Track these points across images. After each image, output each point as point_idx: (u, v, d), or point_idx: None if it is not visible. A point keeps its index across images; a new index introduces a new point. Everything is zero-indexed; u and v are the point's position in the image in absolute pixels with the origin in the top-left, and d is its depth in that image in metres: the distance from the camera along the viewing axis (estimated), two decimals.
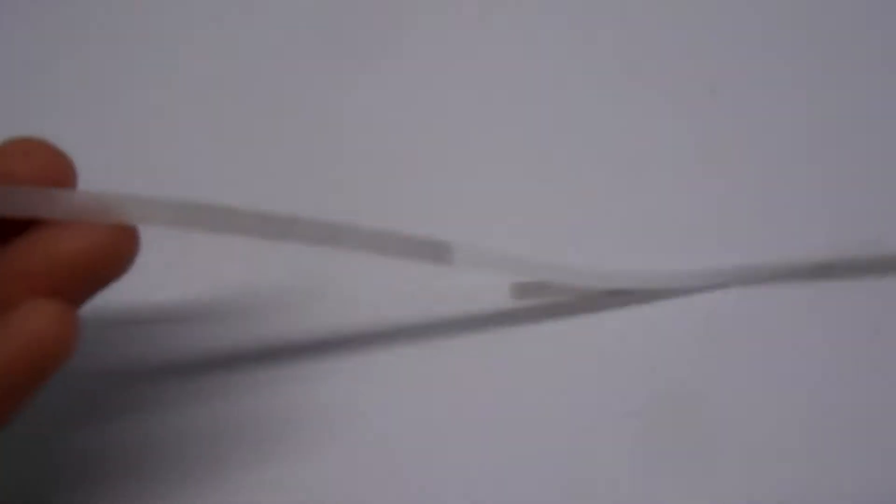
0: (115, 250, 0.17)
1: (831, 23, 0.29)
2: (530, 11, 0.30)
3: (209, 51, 0.29)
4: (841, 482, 0.22)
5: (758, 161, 0.27)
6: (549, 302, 0.25)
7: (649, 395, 0.23)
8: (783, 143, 0.27)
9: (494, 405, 0.24)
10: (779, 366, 0.24)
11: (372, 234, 0.21)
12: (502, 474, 0.22)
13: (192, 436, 0.23)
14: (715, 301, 0.25)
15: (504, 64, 0.29)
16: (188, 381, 0.23)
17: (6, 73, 0.28)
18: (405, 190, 0.27)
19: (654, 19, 0.29)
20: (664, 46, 0.29)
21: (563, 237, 0.26)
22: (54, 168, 0.17)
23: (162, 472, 0.22)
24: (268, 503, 0.22)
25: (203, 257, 0.24)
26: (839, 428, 0.23)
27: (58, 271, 0.17)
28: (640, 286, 0.25)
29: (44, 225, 0.17)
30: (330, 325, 0.24)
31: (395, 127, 0.28)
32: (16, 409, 0.16)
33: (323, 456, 0.23)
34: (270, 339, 0.24)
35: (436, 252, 0.22)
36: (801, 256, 0.25)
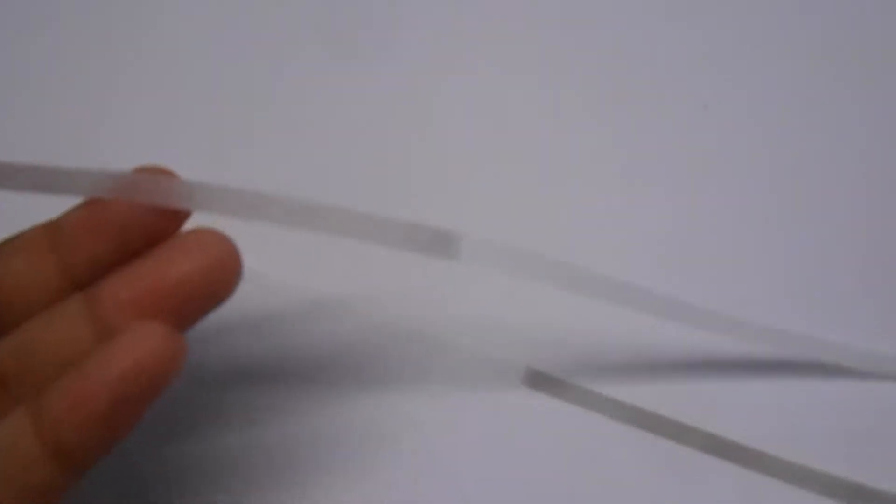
0: (220, 273, 0.17)
1: (822, 40, 0.28)
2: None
3: (207, 50, 0.29)
4: None
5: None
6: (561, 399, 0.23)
7: None
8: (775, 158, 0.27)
9: None
10: None
11: (365, 217, 0.18)
12: None
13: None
14: None
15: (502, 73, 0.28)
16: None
17: (5, 73, 0.28)
18: (403, 184, 0.26)
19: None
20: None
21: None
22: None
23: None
24: None
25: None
26: None
27: (166, 296, 0.17)
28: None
29: (152, 252, 0.18)
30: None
31: (388, 121, 0.27)
32: (126, 428, 0.17)
33: None
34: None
35: (440, 243, 0.19)
36: None
